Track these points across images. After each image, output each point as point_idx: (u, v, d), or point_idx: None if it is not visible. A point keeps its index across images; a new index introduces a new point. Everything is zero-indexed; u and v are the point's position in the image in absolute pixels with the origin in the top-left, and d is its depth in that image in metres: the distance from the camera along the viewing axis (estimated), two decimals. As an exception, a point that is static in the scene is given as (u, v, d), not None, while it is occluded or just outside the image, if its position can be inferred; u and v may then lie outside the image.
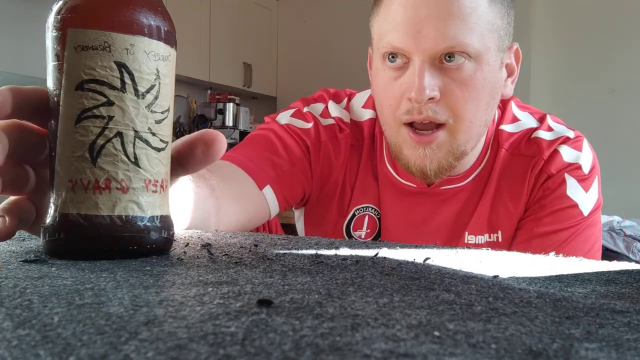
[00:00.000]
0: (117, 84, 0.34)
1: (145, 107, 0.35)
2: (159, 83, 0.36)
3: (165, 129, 0.37)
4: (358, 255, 0.37)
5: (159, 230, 0.36)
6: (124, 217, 0.35)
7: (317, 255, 0.37)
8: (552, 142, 0.83)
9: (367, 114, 0.90)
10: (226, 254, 0.37)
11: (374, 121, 0.89)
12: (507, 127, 0.86)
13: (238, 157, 0.81)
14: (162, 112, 0.36)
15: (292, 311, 0.22)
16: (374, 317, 0.21)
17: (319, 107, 0.90)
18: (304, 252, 0.39)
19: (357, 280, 0.29)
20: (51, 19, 0.35)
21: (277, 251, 0.39)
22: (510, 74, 0.82)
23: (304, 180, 0.86)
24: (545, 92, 3.51)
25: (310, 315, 0.21)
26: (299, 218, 0.95)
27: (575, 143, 0.83)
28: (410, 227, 0.85)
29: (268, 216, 0.83)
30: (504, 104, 0.89)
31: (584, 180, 0.81)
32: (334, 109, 0.90)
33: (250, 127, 4.28)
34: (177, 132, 3.93)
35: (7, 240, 0.42)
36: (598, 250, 0.85)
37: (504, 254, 0.42)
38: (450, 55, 0.72)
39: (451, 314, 0.22)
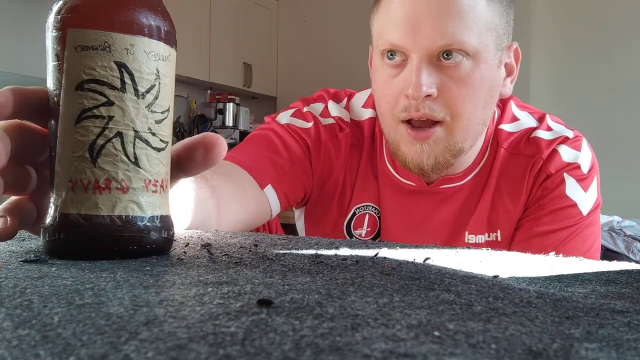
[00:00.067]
0: (117, 84, 0.34)
1: (145, 107, 0.35)
2: (159, 83, 0.36)
3: (165, 129, 0.37)
4: (358, 255, 0.37)
5: (159, 230, 0.36)
6: (124, 217, 0.35)
7: (317, 255, 0.37)
8: (551, 141, 0.83)
9: (367, 114, 0.90)
10: (226, 254, 0.37)
11: (374, 120, 0.89)
12: (506, 127, 0.86)
13: (239, 156, 0.82)
14: (162, 112, 0.36)
15: (292, 311, 0.22)
16: (374, 317, 0.21)
17: (318, 107, 0.91)
18: (304, 252, 0.39)
19: (357, 280, 0.29)
20: (51, 19, 0.35)
21: (277, 251, 0.39)
22: (509, 73, 0.83)
23: (304, 179, 0.87)
24: (545, 91, 3.51)
25: (310, 315, 0.21)
26: (299, 217, 0.95)
27: (574, 143, 0.83)
28: (410, 226, 0.85)
29: (269, 216, 0.83)
30: (503, 104, 0.90)
31: (583, 180, 0.81)
32: (334, 109, 0.90)
33: (250, 127, 4.28)
34: (177, 132, 3.93)
35: (7, 240, 0.42)
36: (597, 250, 0.85)
37: (504, 254, 0.42)
38: (448, 53, 0.73)
39: (451, 314, 0.22)
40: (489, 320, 0.22)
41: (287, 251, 0.39)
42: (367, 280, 0.29)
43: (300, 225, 0.95)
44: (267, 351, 0.17)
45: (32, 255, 0.35)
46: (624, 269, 0.36)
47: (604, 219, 2.06)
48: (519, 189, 0.82)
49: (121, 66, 0.34)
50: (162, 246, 0.37)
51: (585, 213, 0.81)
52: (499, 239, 0.83)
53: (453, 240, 0.84)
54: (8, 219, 0.37)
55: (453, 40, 0.72)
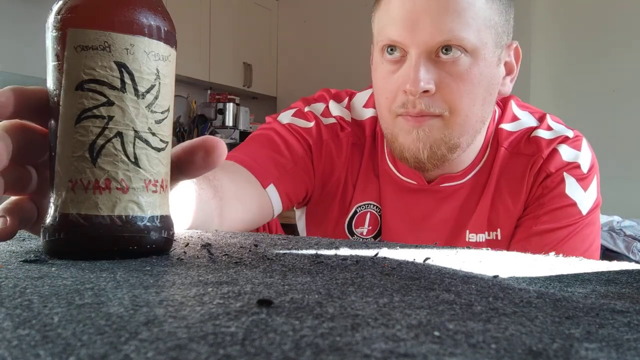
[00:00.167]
0: (117, 84, 0.34)
1: (145, 107, 0.35)
2: (159, 83, 0.36)
3: (165, 129, 0.37)
4: (358, 255, 0.37)
5: (159, 230, 0.36)
6: (124, 217, 0.35)
7: (317, 255, 0.37)
8: (551, 141, 0.83)
9: (368, 113, 0.91)
10: (226, 254, 0.37)
11: (376, 120, 0.89)
12: (506, 126, 0.86)
13: (241, 156, 0.82)
14: (162, 112, 0.36)
15: (292, 311, 0.22)
16: (374, 317, 0.21)
17: (319, 107, 0.91)
18: (304, 252, 0.39)
19: (357, 280, 0.29)
20: (51, 19, 0.35)
21: (277, 251, 0.39)
22: (509, 72, 0.83)
23: (306, 178, 0.87)
24: (545, 91, 3.51)
25: (310, 315, 0.21)
26: (300, 217, 0.95)
27: (574, 142, 0.84)
28: (411, 224, 0.86)
29: (271, 215, 0.83)
30: (504, 103, 0.90)
31: (582, 180, 0.81)
32: (335, 108, 0.91)
33: (250, 127, 4.28)
34: (177, 132, 3.93)
35: (7, 240, 0.42)
36: (596, 249, 0.85)
37: (504, 254, 0.42)
38: (447, 48, 0.73)
39: (451, 314, 0.22)
40: (489, 320, 0.22)
41: (287, 251, 0.39)
42: (367, 280, 0.29)
43: (301, 225, 0.96)
44: (267, 351, 0.17)
45: (32, 255, 0.35)
46: (624, 269, 0.36)
47: (604, 219, 2.06)
48: (519, 188, 0.83)
49: (121, 66, 0.34)
50: (162, 246, 0.37)
51: (584, 212, 0.81)
52: (499, 237, 0.83)
53: (454, 238, 0.84)
54: (8, 219, 0.37)
55: (451, 36, 0.72)
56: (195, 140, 0.41)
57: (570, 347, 0.18)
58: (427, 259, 0.37)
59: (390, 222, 0.86)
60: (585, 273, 0.35)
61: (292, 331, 0.19)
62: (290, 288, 0.26)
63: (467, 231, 0.84)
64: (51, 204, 0.35)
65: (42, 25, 0.36)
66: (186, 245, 0.41)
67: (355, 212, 0.88)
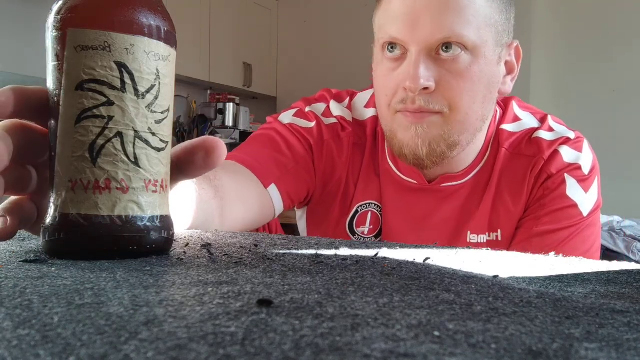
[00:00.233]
0: (117, 84, 0.34)
1: (145, 107, 0.35)
2: (159, 83, 0.36)
3: (165, 129, 0.37)
4: (358, 255, 0.37)
5: (159, 230, 0.36)
6: (124, 217, 0.35)
7: (317, 255, 0.37)
8: (552, 142, 0.83)
9: (369, 113, 0.91)
10: (226, 254, 0.37)
11: (377, 119, 0.89)
12: (508, 127, 0.87)
13: (242, 156, 0.82)
14: (162, 112, 0.36)
15: (292, 311, 0.22)
16: (374, 317, 0.21)
17: (320, 107, 0.91)
18: (304, 252, 0.39)
19: (357, 280, 0.29)
20: (51, 19, 0.35)
21: (277, 251, 0.39)
22: (510, 71, 0.83)
23: (307, 178, 0.87)
24: (545, 90, 3.51)
25: (310, 315, 0.21)
26: (300, 217, 0.95)
27: (575, 144, 0.84)
28: (411, 223, 0.86)
29: (272, 215, 0.83)
30: (505, 104, 0.90)
31: (583, 181, 0.81)
32: (336, 108, 0.91)
33: (250, 127, 4.28)
34: (177, 132, 3.93)
35: (7, 240, 0.42)
36: (597, 251, 0.85)
37: (504, 254, 0.42)
38: (447, 46, 0.74)
39: (451, 314, 0.22)
40: (489, 320, 0.22)
41: (287, 251, 0.39)
42: (367, 280, 0.29)
43: (302, 225, 0.96)
44: (267, 351, 0.17)
45: (32, 255, 0.35)
46: (624, 269, 0.36)
47: (604, 219, 2.06)
48: (519, 189, 0.83)
49: (121, 66, 0.34)
50: (162, 246, 0.37)
51: (585, 214, 0.81)
52: (500, 238, 0.83)
53: (455, 239, 0.84)
54: (8, 219, 0.37)
55: (452, 34, 0.73)
56: (196, 140, 0.41)
57: (570, 347, 0.18)
58: (427, 259, 0.37)
59: (391, 221, 0.86)
60: (585, 273, 0.35)
61: (292, 331, 0.19)
62: (290, 288, 0.26)
63: (469, 232, 0.84)
64: (51, 204, 0.35)
65: (42, 25, 0.36)
66: (186, 245, 0.41)
67: (357, 212, 0.88)
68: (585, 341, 0.19)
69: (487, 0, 0.75)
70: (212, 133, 4.01)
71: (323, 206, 0.90)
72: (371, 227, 0.88)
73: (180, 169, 0.41)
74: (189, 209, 0.55)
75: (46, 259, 0.34)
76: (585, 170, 0.82)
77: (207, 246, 0.41)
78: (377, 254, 0.38)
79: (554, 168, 0.81)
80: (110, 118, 0.34)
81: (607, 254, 1.98)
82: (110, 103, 0.34)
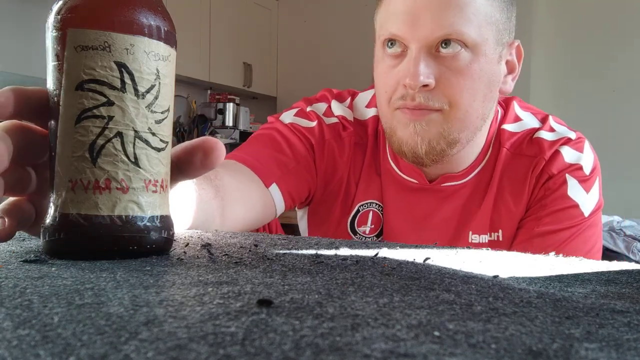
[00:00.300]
0: (117, 84, 0.34)
1: (145, 107, 0.35)
2: (159, 83, 0.36)
3: (165, 129, 0.37)
4: (358, 255, 0.37)
5: (159, 230, 0.36)
6: (124, 217, 0.35)
7: (317, 255, 0.37)
8: (553, 142, 0.83)
9: (370, 112, 0.91)
10: (226, 254, 0.37)
11: (378, 119, 0.89)
12: (509, 127, 0.86)
13: (243, 155, 0.82)
14: (162, 112, 0.36)
15: (292, 311, 0.22)
16: (374, 317, 0.21)
17: (322, 107, 0.91)
18: (304, 252, 0.39)
19: (357, 280, 0.29)
20: (51, 19, 0.35)
21: (277, 251, 0.39)
22: (511, 70, 0.83)
23: (309, 178, 0.87)
24: (545, 90, 3.51)
25: (310, 315, 0.21)
26: (301, 217, 0.95)
27: (576, 144, 0.84)
28: (412, 223, 0.86)
29: (274, 215, 0.83)
30: (506, 103, 0.90)
31: (585, 181, 0.81)
32: (337, 108, 0.91)
33: (250, 127, 4.28)
34: (177, 132, 3.93)
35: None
36: (598, 251, 0.85)
37: (504, 254, 0.42)
38: (446, 42, 0.74)
39: (451, 314, 0.22)
40: (489, 320, 0.22)
41: (287, 251, 0.39)
42: (367, 280, 0.29)
43: (303, 226, 0.95)
44: (267, 351, 0.17)
45: (32, 255, 0.35)
46: (624, 269, 0.36)
47: (604, 219, 2.06)
48: (521, 189, 0.83)
49: (121, 66, 0.34)
50: (162, 246, 0.37)
51: (586, 214, 0.81)
52: (501, 238, 0.83)
53: (456, 239, 0.84)
54: (6, 220, 0.37)
55: (452, 31, 0.73)
56: (195, 141, 0.41)
57: (570, 347, 0.18)
58: (427, 259, 0.37)
59: (392, 220, 0.86)
60: (585, 273, 0.35)
61: (292, 331, 0.19)
62: (290, 288, 0.26)
63: (470, 232, 0.84)
64: (51, 204, 0.35)
65: (42, 25, 0.36)
66: (186, 245, 0.41)
67: (358, 211, 0.88)
68: (585, 341, 0.19)
69: None
70: (212, 133, 4.02)
71: (324, 206, 0.90)
72: (372, 226, 0.88)
73: (180, 169, 0.41)
74: (189, 209, 0.55)
75: (46, 259, 0.34)
76: (587, 170, 0.82)
77: (207, 246, 0.41)
78: (377, 254, 0.38)
79: (555, 168, 0.81)
80: (110, 118, 0.34)
81: (607, 254, 1.98)
82: (110, 103, 0.34)
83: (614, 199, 2.37)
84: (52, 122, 0.35)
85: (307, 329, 0.19)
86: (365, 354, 0.17)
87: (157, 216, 0.36)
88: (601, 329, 0.21)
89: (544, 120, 0.87)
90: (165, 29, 0.37)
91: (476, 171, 0.85)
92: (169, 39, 0.37)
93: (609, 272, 0.35)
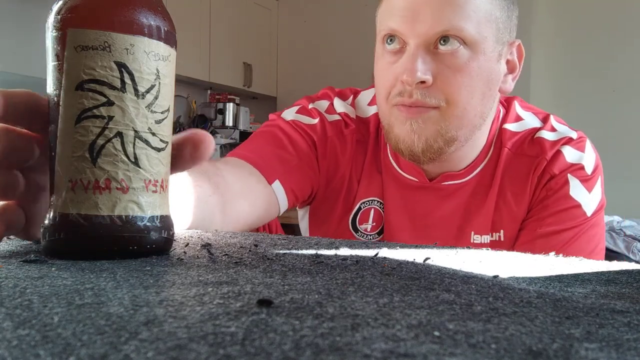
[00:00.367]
0: (117, 84, 0.34)
1: (145, 107, 0.35)
2: (159, 83, 0.36)
3: (165, 129, 0.37)
4: (358, 255, 0.37)
5: (159, 230, 0.36)
6: (124, 217, 0.35)
7: (317, 255, 0.37)
8: (555, 142, 0.83)
9: (372, 110, 0.91)
10: (226, 254, 0.37)
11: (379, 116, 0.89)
12: (510, 126, 0.86)
13: (245, 153, 0.82)
14: (162, 112, 0.36)
15: (292, 311, 0.22)
16: (374, 317, 0.21)
17: (324, 104, 0.91)
18: (304, 252, 0.39)
19: (357, 280, 0.29)
20: (51, 19, 0.35)
21: (277, 251, 0.39)
22: (511, 70, 0.83)
23: (311, 175, 0.87)
24: (545, 90, 3.51)
25: (310, 315, 0.21)
26: (303, 217, 0.95)
27: (578, 144, 0.83)
28: (413, 221, 0.85)
29: (277, 212, 0.83)
30: (508, 103, 0.90)
31: (587, 181, 0.81)
32: (340, 105, 0.91)
33: (250, 127, 4.28)
34: (177, 132, 3.88)
35: (7, 240, 0.42)
36: (602, 250, 0.85)
37: (504, 254, 0.42)
38: (444, 39, 0.73)
39: (451, 314, 0.22)
40: (489, 320, 0.22)
41: (287, 251, 0.39)
42: (367, 280, 0.29)
43: (304, 225, 0.95)
44: (267, 351, 0.17)
45: (32, 255, 0.35)
46: (624, 269, 0.36)
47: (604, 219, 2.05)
48: (522, 189, 0.82)
49: (121, 66, 0.34)
50: (162, 246, 0.37)
51: (589, 214, 0.80)
52: (502, 239, 0.83)
53: (458, 239, 0.84)
54: None
55: (450, 27, 0.73)
56: (183, 134, 0.41)
57: (570, 347, 0.18)
58: (427, 259, 0.37)
59: (393, 218, 0.86)
60: (585, 273, 0.35)
61: (292, 331, 0.19)
62: (290, 288, 0.26)
63: (472, 232, 0.84)
64: (51, 204, 0.35)
65: (42, 25, 0.36)
66: (186, 245, 0.41)
67: (360, 209, 0.88)
68: (585, 341, 0.19)
69: None
70: (212, 133, 4.01)
71: (327, 204, 0.90)
72: (374, 224, 0.87)
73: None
74: (187, 207, 0.55)
75: (46, 259, 0.34)
76: (588, 170, 0.81)
77: (207, 246, 0.41)
78: (377, 254, 0.38)
79: (557, 168, 0.81)
80: (110, 118, 0.34)
81: (607, 254, 1.98)
82: (110, 103, 0.34)
83: (614, 199, 2.37)
84: (52, 122, 0.35)
85: (307, 329, 0.19)
86: (365, 354, 0.17)
87: (157, 216, 0.36)
88: (601, 329, 0.21)
89: (545, 119, 0.87)
90: (165, 29, 0.37)
91: (477, 170, 0.85)
92: (169, 39, 0.37)
93: (609, 272, 0.35)
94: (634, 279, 0.33)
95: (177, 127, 3.95)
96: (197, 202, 0.57)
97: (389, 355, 0.17)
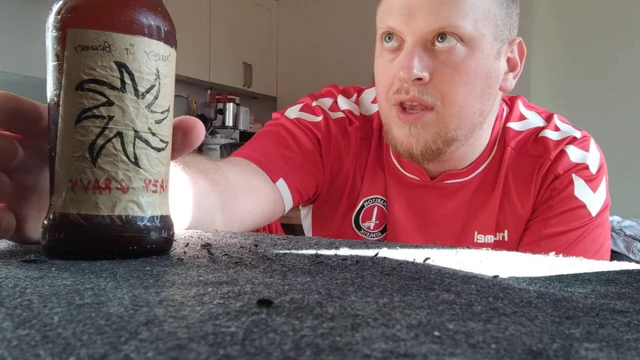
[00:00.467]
0: (117, 84, 0.34)
1: (145, 107, 0.35)
2: (159, 83, 0.36)
3: (165, 129, 0.37)
4: (358, 255, 0.37)
5: (159, 230, 0.36)
6: (124, 217, 0.35)
7: (317, 255, 0.37)
8: (559, 142, 0.82)
9: (376, 107, 0.90)
10: (226, 254, 0.37)
11: None
12: (514, 125, 0.86)
13: (249, 152, 0.81)
14: (162, 112, 0.36)
15: (292, 311, 0.22)
16: (374, 317, 0.21)
17: (327, 102, 0.91)
18: (304, 252, 0.39)
19: (357, 280, 0.29)
20: (51, 19, 0.35)
21: (277, 251, 0.39)
22: (512, 68, 0.82)
23: (316, 173, 0.86)
24: (545, 90, 3.51)
25: (310, 315, 0.21)
26: (305, 215, 0.95)
27: (582, 143, 0.83)
28: (415, 219, 0.85)
29: (282, 210, 0.83)
30: (511, 102, 0.89)
31: (591, 181, 0.80)
32: (344, 103, 0.90)
33: (251, 127, 4.28)
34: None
35: (7, 240, 0.42)
36: (607, 250, 0.84)
37: (504, 254, 0.42)
38: (441, 36, 0.73)
39: (451, 314, 0.22)
40: (489, 320, 0.22)
41: (287, 251, 0.39)
42: (367, 280, 0.29)
43: (307, 224, 0.95)
44: (267, 351, 0.17)
45: (32, 255, 0.35)
46: (624, 269, 0.36)
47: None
48: (526, 189, 0.82)
49: (121, 66, 0.34)
50: (162, 246, 0.37)
51: (594, 214, 0.80)
52: (506, 239, 0.82)
53: (462, 238, 0.83)
54: None
55: (447, 24, 0.73)
56: (173, 120, 0.41)
57: (570, 347, 0.18)
58: (427, 259, 0.37)
59: (396, 216, 0.86)
60: (585, 273, 0.35)
61: (292, 331, 0.19)
62: (290, 288, 0.26)
63: (476, 232, 0.83)
64: (51, 204, 0.35)
65: (42, 25, 0.36)
66: (186, 245, 0.41)
67: (363, 206, 0.87)
68: (585, 341, 0.19)
69: None
70: (212, 133, 4.02)
71: (330, 202, 0.89)
72: (377, 222, 0.87)
73: None
74: (186, 205, 0.55)
75: (46, 259, 0.34)
76: (593, 169, 0.81)
77: (207, 246, 0.41)
78: (377, 254, 0.38)
79: (561, 168, 0.80)
80: (110, 118, 0.34)
81: (608, 254, 1.98)
82: (110, 103, 0.34)
83: (614, 199, 2.37)
84: (52, 122, 0.35)
85: (307, 329, 0.19)
86: (365, 354, 0.17)
87: (157, 216, 0.36)
88: (601, 329, 0.21)
89: (548, 119, 0.86)
90: (165, 29, 0.37)
91: (480, 169, 0.84)
92: (169, 39, 0.37)
93: (609, 272, 0.35)
94: (634, 279, 0.33)
95: (177, 127, 3.95)
96: (194, 199, 0.57)
97: (389, 355, 0.17)
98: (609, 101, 3.40)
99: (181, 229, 0.54)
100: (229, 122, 4.15)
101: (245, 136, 4.10)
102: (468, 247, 0.45)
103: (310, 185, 0.86)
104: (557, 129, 0.84)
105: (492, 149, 0.85)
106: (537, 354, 0.17)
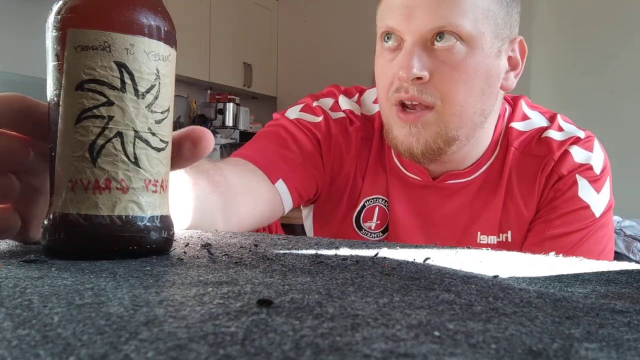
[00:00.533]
0: (117, 84, 0.34)
1: (145, 107, 0.35)
2: (159, 83, 0.36)
3: (165, 129, 0.37)
4: (358, 255, 0.37)
5: (159, 230, 0.36)
6: (124, 217, 0.35)
7: (317, 255, 0.37)
8: (562, 142, 0.82)
9: (377, 107, 0.90)
10: (226, 254, 0.37)
11: None
12: (517, 125, 0.85)
13: (248, 153, 0.81)
14: (162, 112, 0.36)
15: (292, 311, 0.22)
16: (374, 317, 0.21)
17: (328, 102, 0.90)
18: (304, 252, 0.39)
19: (357, 280, 0.29)
20: (51, 19, 0.35)
21: (277, 251, 0.39)
22: (513, 67, 0.82)
23: (316, 173, 0.86)
24: (545, 90, 3.51)
25: (310, 315, 0.21)
26: (307, 216, 0.95)
27: (586, 143, 0.82)
28: (417, 220, 0.85)
29: (282, 211, 0.82)
30: (514, 102, 0.89)
31: (595, 181, 0.80)
32: (345, 103, 0.90)
33: (250, 127, 4.28)
34: (177, 132, 3.93)
35: (7, 240, 0.42)
36: (611, 251, 0.83)
37: (504, 254, 0.42)
38: (440, 35, 0.73)
39: (451, 314, 0.22)
40: (489, 320, 0.22)
41: (287, 251, 0.39)
42: (367, 280, 0.29)
43: (308, 224, 0.95)
44: (267, 351, 0.17)
45: (32, 255, 0.35)
46: (624, 269, 0.36)
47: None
48: (530, 190, 0.81)
49: (121, 66, 0.34)
50: (162, 246, 0.37)
51: (598, 215, 0.79)
52: (509, 239, 0.82)
53: (464, 239, 0.83)
54: None
55: (446, 23, 0.72)
56: (182, 131, 0.41)
57: (570, 347, 0.18)
58: (427, 259, 0.37)
59: (397, 216, 0.86)
60: (585, 273, 0.35)
61: (292, 331, 0.19)
62: (290, 288, 0.26)
63: (479, 233, 0.83)
64: (51, 204, 0.35)
65: (42, 25, 0.36)
66: (186, 245, 0.41)
67: (364, 206, 0.87)
68: (585, 341, 0.19)
69: None
70: (212, 133, 4.01)
71: (331, 202, 0.89)
72: (378, 222, 0.87)
73: None
74: (186, 206, 0.55)
75: (46, 259, 0.34)
76: (597, 170, 0.80)
77: (207, 246, 0.41)
78: (377, 254, 0.38)
79: (565, 169, 0.80)
80: (110, 118, 0.34)
81: (608, 254, 1.98)
82: (110, 103, 0.34)
83: (614, 198, 2.37)
84: (52, 122, 0.35)
85: (307, 329, 0.19)
86: (365, 354, 0.17)
87: (157, 216, 0.36)
88: (601, 329, 0.21)
89: (552, 119, 0.86)
90: (165, 29, 0.37)
91: (483, 169, 0.84)
92: (169, 39, 0.37)
93: (609, 272, 0.35)
94: (634, 279, 0.33)
95: (177, 127, 3.94)
96: (195, 200, 0.57)
97: (389, 355, 0.17)
98: (610, 100, 3.40)
99: (181, 228, 0.54)
100: (229, 122, 4.16)
101: (245, 136, 4.10)
102: (468, 247, 0.45)
103: (310, 185, 0.86)
104: (560, 129, 0.84)
105: (494, 149, 0.84)
106: (537, 354, 0.17)
